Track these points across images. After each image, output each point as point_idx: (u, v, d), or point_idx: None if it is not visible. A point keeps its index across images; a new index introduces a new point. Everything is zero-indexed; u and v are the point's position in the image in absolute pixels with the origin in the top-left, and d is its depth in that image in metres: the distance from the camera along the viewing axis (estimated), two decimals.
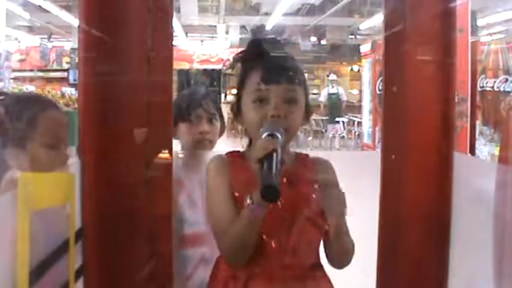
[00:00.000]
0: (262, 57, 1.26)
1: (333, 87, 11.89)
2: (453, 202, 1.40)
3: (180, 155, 1.69)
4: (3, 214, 0.88)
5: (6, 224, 0.87)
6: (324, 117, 11.59)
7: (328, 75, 12.89)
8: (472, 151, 6.34)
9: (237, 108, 1.28)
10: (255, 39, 1.31)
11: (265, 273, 1.18)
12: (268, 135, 1.13)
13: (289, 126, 1.19)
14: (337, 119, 11.52)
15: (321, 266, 1.27)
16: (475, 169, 1.43)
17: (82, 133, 1.29)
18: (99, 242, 1.29)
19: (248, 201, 1.09)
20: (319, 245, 1.25)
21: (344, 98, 12.00)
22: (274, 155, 1.07)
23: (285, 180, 1.16)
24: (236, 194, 1.19)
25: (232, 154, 1.29)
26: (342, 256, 1.25)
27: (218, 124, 1.74)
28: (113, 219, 1.30)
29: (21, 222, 0.88)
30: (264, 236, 1.17)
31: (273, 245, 1.18)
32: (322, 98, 11.93)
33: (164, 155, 1.39)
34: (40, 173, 1.20)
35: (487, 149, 6.46)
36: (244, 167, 1.23)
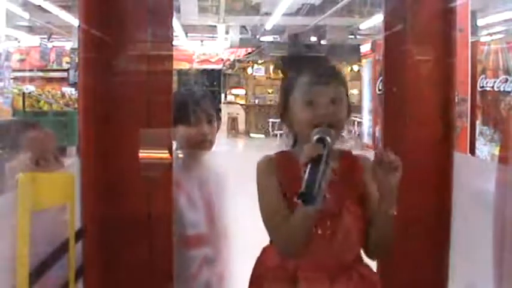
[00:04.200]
0: (307, 61, 1.35)
1: None
2: (453, 202, 1.40)
3: (180, 155, 1.69)
4: (3, 214, 0.88)
5: (6, 224, 0.87)
6: None
7: None
8: (472, 151, 6.35)
9: (283, 110, 1.34)
10: (297, 44, 1.38)
11: (312, 263, 1.26)
12: (319, 138, 1.19)
13: (336, 124, 1.26)
14: None
15: (362, 259, 1.33)
16: (475, 169, 1.43)
17: (82, 133, 1.29)
18: (99, 242, 1.29)
19: (298, 200, 1.14)
20: (362, 238, 1.30)
21: None
22: (320, 160, 1.12)
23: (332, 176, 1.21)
24: (285, 191, 1.27)
25: (280, 154, 1.36)
26: (385, 244, 1.31)
27: (216, 124, 1.75)
28: (112, 219, 1.31)
29: (21, 222, 0.88)
30: (313, 229, 1.24)
31: (320, 237, 1.25)
32: None
33: (164, 155, 1.39)
34: (40, 173, 1.20)
35: (487, 149, 6.47)
36: (291, 165, 1.29)
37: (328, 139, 1.19)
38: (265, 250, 1.36)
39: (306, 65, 1.32)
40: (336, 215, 1.25)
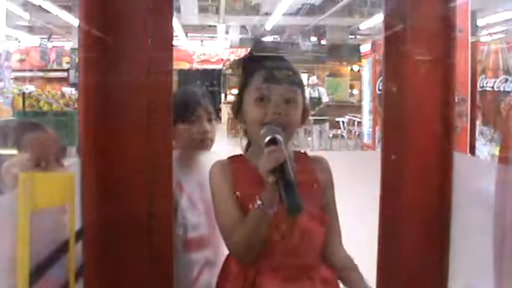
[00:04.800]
0: (264, 59, 1.32)
1: (314, 91, 11.17)
2: (453, 202, 1.40)
3: (180, 155, 1.69)
4: (3, 214, 0.88)
5: (6, 224, 0.87)
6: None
7: (308, 79, 12.41)
8: (472, 151, 6.35)
9: (237, 107, 1.32)
10: (257, 42, 1.37)
11: (271, 267, 1.24)
12: (270, 139, 1.15)
13: (289, 124, 1.23)
14: (324, 118, 11.35)
15: (324, 260, 1.32)
16: (475, 169, 1.43)
17: (82, 133, 1.29)
18: (99, 242, 1.29)
19: (258, 202, 1.13)
20: (321, 239, 1.28)
21: (325, 99, 11.66)
22: (286, 166, 1.08)
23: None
24: (238, 195, 1.25)
25: (232, 158, 1.34)
26: None
27: (215, 123, 1.75)
28: (112, 220, 1.30)
29: (21, 222, 0.88)
30: (269, 233, 1.21)
31: (278, 241, 1.23)
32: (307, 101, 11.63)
33: (164, 154, 1.38)
34: (40, 173, 1.20)
35: (487, 149, 6.47)
36: (245, 169, 1.28)
37: (280, 138, 1.14)
38: (226, 259, 1.34)
39: (262, 63, 1.30)
40: (293, 218, 1.22)
